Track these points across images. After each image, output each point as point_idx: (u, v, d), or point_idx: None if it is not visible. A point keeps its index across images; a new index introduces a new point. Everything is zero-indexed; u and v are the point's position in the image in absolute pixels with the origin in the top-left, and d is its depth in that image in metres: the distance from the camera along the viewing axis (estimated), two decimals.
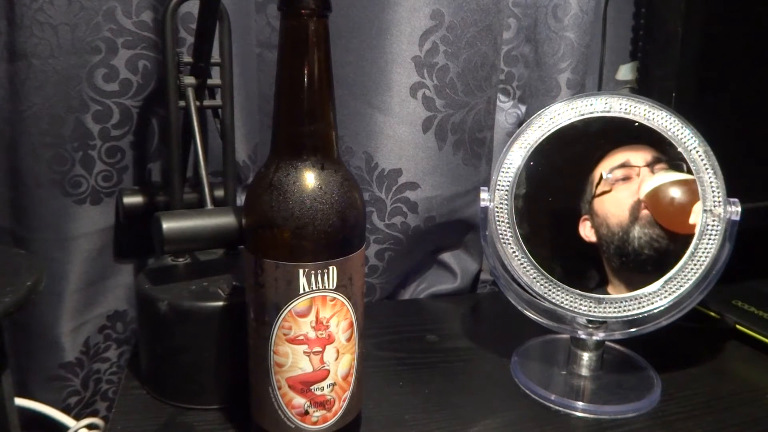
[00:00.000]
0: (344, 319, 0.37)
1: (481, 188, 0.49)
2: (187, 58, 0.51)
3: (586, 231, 0.48)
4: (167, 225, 0.42)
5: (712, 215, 0.45)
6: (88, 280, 0.58)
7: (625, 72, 0.68)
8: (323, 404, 0.37)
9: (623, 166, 0.48)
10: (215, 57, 0.51)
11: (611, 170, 0.48)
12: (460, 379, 0.50)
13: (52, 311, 0.57)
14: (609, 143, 0.48)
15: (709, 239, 0.45)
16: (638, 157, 0.48)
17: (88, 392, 0.60)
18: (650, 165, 0.47)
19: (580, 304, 0.47)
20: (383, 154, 0.61)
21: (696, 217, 0.45)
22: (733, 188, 0.45)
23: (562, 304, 0.47)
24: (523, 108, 0.68)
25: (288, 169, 0.35)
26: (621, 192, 0.47)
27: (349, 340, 0.37)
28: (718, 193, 0.45)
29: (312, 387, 0.37)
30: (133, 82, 0.56)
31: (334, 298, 0.36)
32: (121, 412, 0.44)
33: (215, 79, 0.52)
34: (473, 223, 0.67)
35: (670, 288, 0.45)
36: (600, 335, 0.48)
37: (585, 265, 0.48)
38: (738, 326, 0.57)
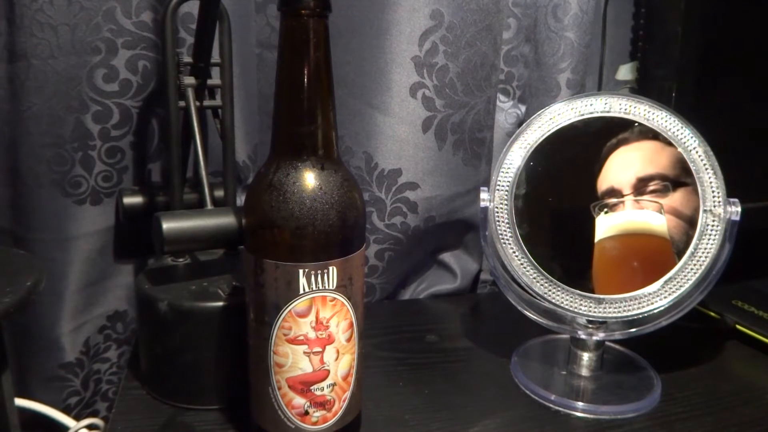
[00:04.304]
0: (344, 320, 0.37)
1: (481, 188, 0.49)
2: (187, 58, 0.51)
3: None
4: (167, 225, 0.42)
5: (712, 215, 0.45)
6: (88, 280, 0.58)
7: (625, 72, 0.68)
8: (323, 404, 0.37)
9: (611, 192, 0.47)
10: (215, 57, 0.51)
11: (602, 195, 0.47)
12: (460, 379, 0.50)
13: (52, 311, 0.57)
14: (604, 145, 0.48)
15: (709, 239, 0.45)
16: (625, 179, 0.47)
17: (88, 392, 0.60)
18: (636, 190, 0.46)
19: (580, 304, 0.47)
20: (383, 154, 0.61)
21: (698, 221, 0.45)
22: (733, 188, 0.45)
23: (562, 305, 0.47)
24: (523, 108, 0.68)
25: (288, 169, 0.35)
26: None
27: (349, 340, 0.37)
28: (718, 193, 0.45)
29: (312, 387, 0.37)
30: (133, 83, 0.56)
31: (334, 299, 0.36)
32: (121, 412, 0.44)
33: (215, 79, 0.52)
34: (473, 223, 0.67)
35: (670, 288, 0.45)
36: (600, 335, 0.48)
37: (585, 265, 0.47)
38: (738, 326, 0.57)
